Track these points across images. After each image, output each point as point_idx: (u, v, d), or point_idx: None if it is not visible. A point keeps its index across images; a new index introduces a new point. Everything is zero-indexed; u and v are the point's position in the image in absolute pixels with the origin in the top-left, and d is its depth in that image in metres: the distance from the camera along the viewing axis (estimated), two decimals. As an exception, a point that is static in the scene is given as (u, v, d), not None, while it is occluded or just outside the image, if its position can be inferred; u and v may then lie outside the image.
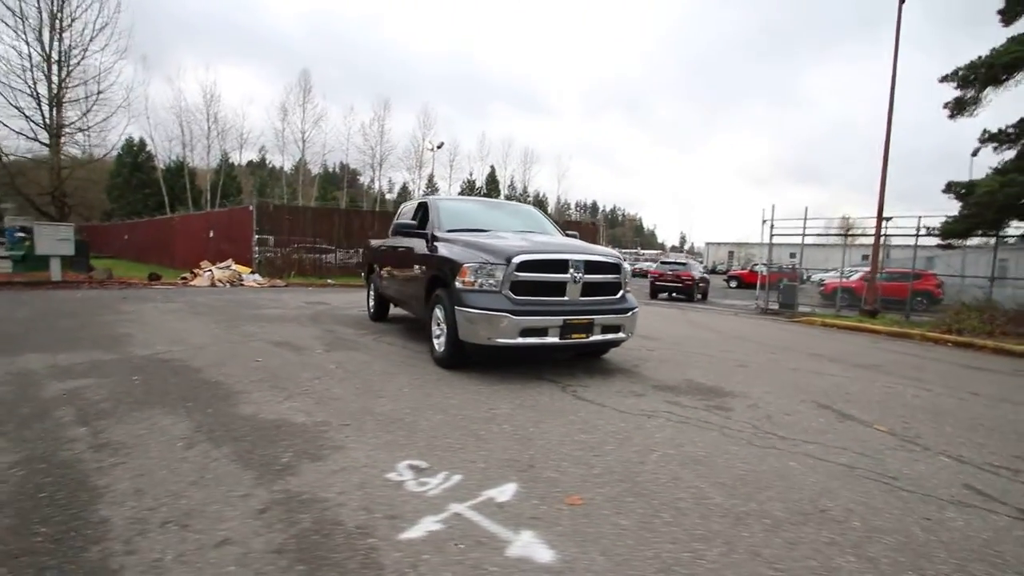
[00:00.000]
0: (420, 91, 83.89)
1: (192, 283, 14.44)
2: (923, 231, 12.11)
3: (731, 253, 60.47)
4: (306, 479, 2.47)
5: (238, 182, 49.51)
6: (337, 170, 58.78)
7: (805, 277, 18.43)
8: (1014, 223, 10.43)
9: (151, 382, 4.06)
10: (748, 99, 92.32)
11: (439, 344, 5.04)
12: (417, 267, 5.68)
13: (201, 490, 2.32)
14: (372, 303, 8.09)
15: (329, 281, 16.80)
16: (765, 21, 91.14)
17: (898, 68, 12.15)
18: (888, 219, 13.39)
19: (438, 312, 5.06)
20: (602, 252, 4.92)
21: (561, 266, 4.60)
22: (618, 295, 4.96)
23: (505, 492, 2.41)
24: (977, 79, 9.54)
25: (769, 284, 15.67)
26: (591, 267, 4.71)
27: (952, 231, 10.88)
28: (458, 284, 4.58)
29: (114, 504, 2.17)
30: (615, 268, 4.91)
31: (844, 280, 17.20)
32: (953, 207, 10.62)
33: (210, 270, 15.07)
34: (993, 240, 11.78)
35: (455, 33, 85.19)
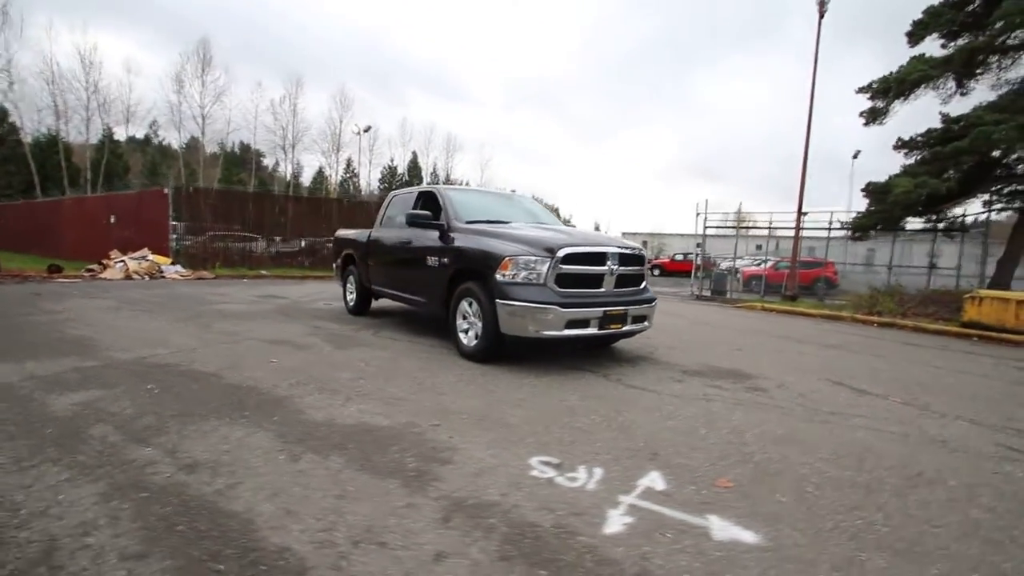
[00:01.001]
0: (335, 72, 78.64)
1: (102, 276, 12.69)
2: (836, 224, 13.73)
3: (644, 243, 64.17)
4: (454, 483, 2.38)
5: (125, 160, 43.77)
6: (237, 150, 53.93)
7: (716, 265, 20.11)
8: (911, 219, 12.17)
9: (175, 390, 3.61)
10: (657, 99, 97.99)
11: (467, 338, 4.96)
12: (433, 259, 5.49)
13: (357, 504, 2.16)
14: (353, 296, 7.67)
15: (263, 272, 15.57)
16: (672, 29, 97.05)
17: (814, 80, 13.61)
18: (805, 214, 15.05)
19: (465, 306, 4.96)
20: (630, 245, 5.08)
21: (600, 258, 4.70)
22: (641, 286, 5.17)
23: (656, 481, 2.49)
24: (889, 92, 10.97)
25: (703, 272, 16.99)
26: (624, 259, 4.87)
27: (862, 225, 12.46)
28: (499, 277, 4.52)
29: (278, 529, 1.95)
30: (641, 260, 5.11)
31: (759, 268, 19.11)
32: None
33: (123, 261, 13.33)
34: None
35: (372, 15, 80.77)
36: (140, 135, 51.46)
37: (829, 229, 14.39)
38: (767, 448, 2.98)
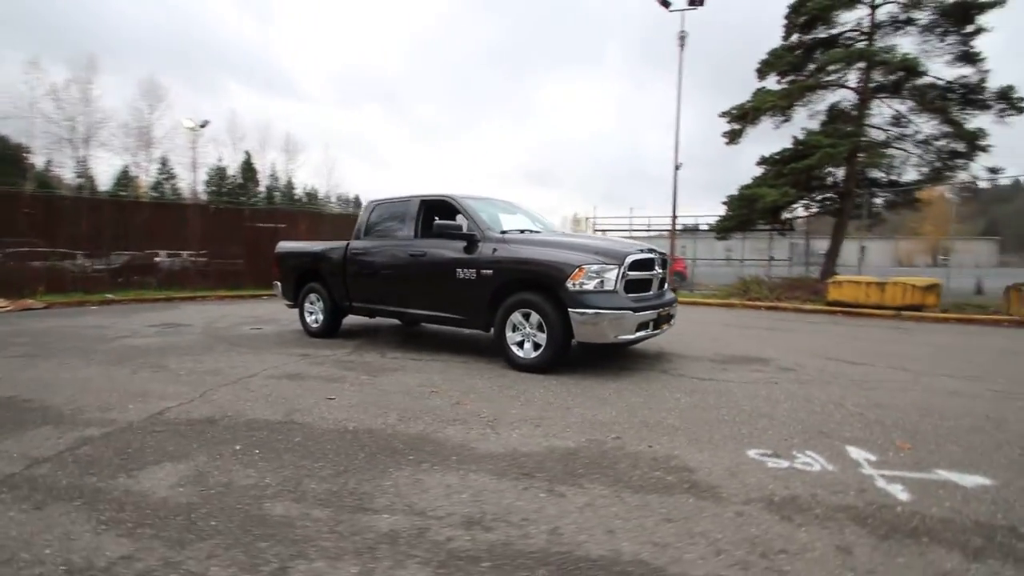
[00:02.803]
0: (141, 58, 64.06)
1: None
2: (704, 227, 16.15)
3: (500, 246, 67.04)
4: (728, 488, 2.45)
5: None
6: (-8, 143, 41.78)
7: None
8: (760, 222, 14.96)
9: (276, 447, 2.95)
10: (495, 105, 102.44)
11: (522, 351, 4.88)
12: (466, 271, 5.21)
13: (699, 523, 2.12)
14: (317, 317, 6.82)
15: (109, 296, 12.61)
16: (507, 40, 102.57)
17: (679, 103, 15.91)
18: (676, 217, 17.41)
19: (519, 317, 4.88)
20: (658, 249, 5.49)
21: (651, 264, 5.03)
22: (665, 287, 5.64)
23: (861, 454, 2.88)
24: (745, 117, 13.40)
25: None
26: (662, 264, 5.27)
27: (725, 228, 14.92)
28: (571, 286, 4.55)
29: (695, 563, 1.86)
30: (666, 263, 5.57)
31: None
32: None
33: (-103, 294, 9.66)
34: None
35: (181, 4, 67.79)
36: None
37: (696, 230, 16.90)
38: (880, 413, 3.60)
